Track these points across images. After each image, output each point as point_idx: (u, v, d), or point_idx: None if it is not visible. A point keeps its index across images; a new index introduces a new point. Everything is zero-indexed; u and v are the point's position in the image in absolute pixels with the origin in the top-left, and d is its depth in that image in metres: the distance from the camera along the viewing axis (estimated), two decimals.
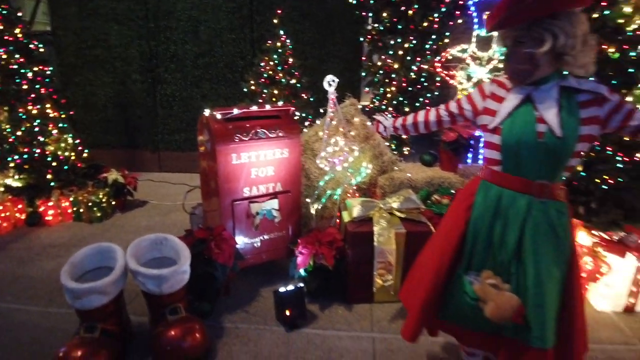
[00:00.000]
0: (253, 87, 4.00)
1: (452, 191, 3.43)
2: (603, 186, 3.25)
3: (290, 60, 4.03)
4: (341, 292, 2.86)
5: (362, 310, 2.75)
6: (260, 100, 3.97)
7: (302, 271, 2.76)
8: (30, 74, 4.17)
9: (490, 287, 1.51)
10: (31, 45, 4.47)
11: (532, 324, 1.51)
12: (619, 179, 3.21)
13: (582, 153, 1.50)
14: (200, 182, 3.18)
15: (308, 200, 3.19)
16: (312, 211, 3.17)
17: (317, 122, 3.53)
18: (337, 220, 3.29)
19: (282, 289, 2.59)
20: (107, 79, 5.59)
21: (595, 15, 3.37)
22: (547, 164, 1.48)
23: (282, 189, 2.93)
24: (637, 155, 3.22)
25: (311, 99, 4.25)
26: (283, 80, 3.99)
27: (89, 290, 2.09)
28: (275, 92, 4.01)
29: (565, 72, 1.50)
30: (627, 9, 3.20)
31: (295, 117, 3.24)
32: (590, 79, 1.49)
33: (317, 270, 2.73)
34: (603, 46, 3.32)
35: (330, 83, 2.95)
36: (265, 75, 4.00)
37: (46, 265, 3.30)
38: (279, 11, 4.07)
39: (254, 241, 2.92)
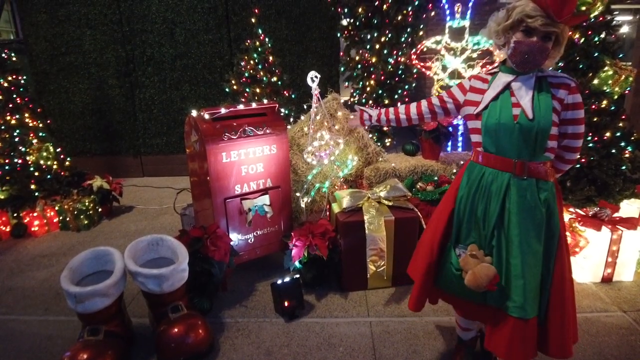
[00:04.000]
0: (235, 87, 4.03)
1: (435, 178, 3.56)
2: (577, 165, 3.43)
3: (271, 58, 4.08)
4: (336, 280, 2.95)
5: (357, 296, 2.85)
6: (243, 100, 4.01)
7: (297, 263, 2.83)
8: (5, 84, 4.09)
9: (472, 258, 1.65)
10: (3, 55, 4.39)
11: (512, 294, 1.63)
12: (590, 158, 3.40)
13: (556, 136, 1.67)
14: (190, 183, 3.21)
15: (298, 194, 3.26)
16: (302, 205, 3.25)
17: (302, 117, 3.59)
18: (327, 213, 3.37)
19: (279, 282, 2.66)
20: (83, 85, 5.51)
21: None
22: (523, 144, 1.62)
23: (272, 184, 2.99)
24: (607, 134, 3.42)
25: (293, 96, 4.31)
26: (264, 78, 4.03)
27: (92, 293, 2.12)
28: (257, 90, 4.05)
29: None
30: None
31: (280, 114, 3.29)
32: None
33: (312, 261, 2.81)
34: (569, 32, 3.50)
35: (313, 79, 3.03)
36: (246, 74, 4.04)
37: (38, 275, 3.28)
38: (256, 10, 4.11)
39: (248, 237, 2.98)
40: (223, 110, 2.75)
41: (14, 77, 4.36)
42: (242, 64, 4.08)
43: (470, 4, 4.70)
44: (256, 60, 4.05)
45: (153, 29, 5.28)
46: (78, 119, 5.63)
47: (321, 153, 3.22)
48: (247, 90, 4.00)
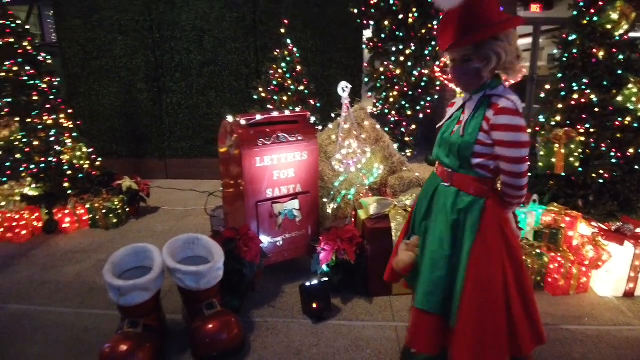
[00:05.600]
0: (263, 94, 4.15)
1: None
2: (600, 180, 3.48)
3: (299, 68, 4.20)
4: (362, 285, 3.02)
5: (382, 302, 2.92)
6: (271, 107, 4.13)
7: (324, 266, 2.91)
8: (44, 85, 4.26)
9: (404, 245, 1.94)
10: (40, 57, 4.58)
11: (417, 285, 1.85)
12: (614, 174, 3.45)
13: (487, 155, 1.67)
14: (222, 186, 3.32)
15: (325, 200, 3.35)
16: (329, 211, 3.34)
17: (330, 126, 3.69)
18: (352, 219, 3.45)
19: (307, 284, 2.74)
20: (112, 88, 5.69)
21: (585, 22, 3.63)
22: (451, 156, 1.76)
23: (301, 189, 3.08)
24: (630, 151, 3.46)
25: (318, 105, 4.42)
26: (292, 87, 4.15)
27: (134, 287, 2.22)
28: (285, 98, 4.17)
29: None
30: (614, 16, 3.45)
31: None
32: (511, 92, 1.65)
33: (340, 265, 2.88)
34: (593, 50, 3.57)
35: (344, 89, 3.14)
36: (274, 82, 4.16)
37: (70, 270, 3.40)
38: (286, 21, 4.24)
39: (277, 240, 3.07)
40: (258, 117, 2.86)
41: (49, 79, 4.55)
42: (271, 72, 4.21)
43: None
44: (284, 69, 4.17)
45: (182, 36, 5.45)
46: (107, 121, 5.80)
47: (348, 161, 3.31)
48: (275, 98, 4.11)
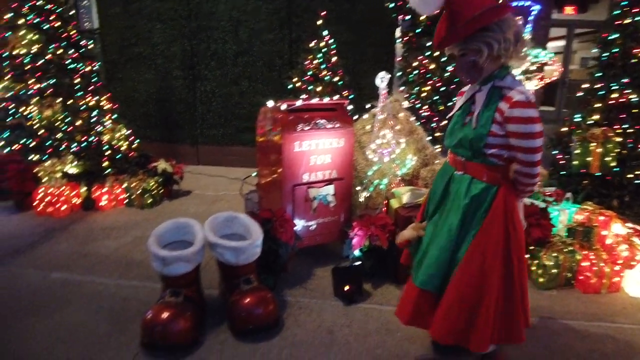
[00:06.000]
0: (298, 84, 4.22)
1: None
2: (637, 181, 3.44)
3: (334, 59, 4.26)
4: (392, 272, 3.06)
5: None
6: (306, 96, 4.19)
7: (357, 251, 2.97)
8: (87, 69, 4.43)
9: (414, 224, 2.11)
10: (82, 42, 4.75)
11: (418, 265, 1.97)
12: None
13: (500, 145, 1.72)
14: (258, 171, 3.40)
15: (358, 188, 3.40)
16: (361, 199, 3.38)
17: (365, 116, 3.74)
18: (384, 209, 3.49)
19: (340, 266, 2.80)
20: (148, 75, 5.86)
21: (627, 21, 3.58)
22: (464, 147, 1.81)
23: (337, 176, 3.14)
24: None
25: (350, 96, 4.46)
26: (327, 77, 4.21)
27: (178, 257, 2.31)
28: (319, 89, 4.23)
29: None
30: None
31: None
32: (521, 83, 1.72)
33: (372, 251, 2.93)
34: (634, 50, 3.53)
35: (382, 79, 3.18)
36: (309, 72, 4.23)
37: (109, 244, 3.54)
38: (323, 13, 4.30)
39: (310, 224, 3.14)
40: (299, 103, 2.93)
41: (90, 63, 4.72)
42: (306, 62, 4.27)
43: (531, 18, 4.76)
44: (320, 60, 4.23)
45: (219, 26, 5.57)
46: (141, 106, 5.97)
47: (383, 151, 3.36)
48: (310, 87, 4.18)
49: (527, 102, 1.62)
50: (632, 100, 3.49)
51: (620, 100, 3.53)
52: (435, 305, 1.91)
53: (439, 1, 1.69)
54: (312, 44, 4.32)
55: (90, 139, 4.28)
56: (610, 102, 3.59)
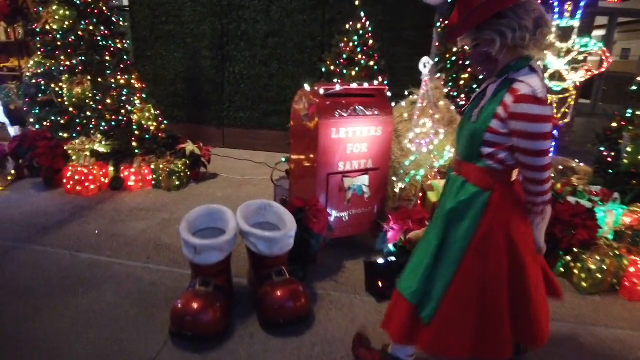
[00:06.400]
0: (332, 67, 4.06)
1: None
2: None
3: (371, 42, 4.07)
4: None
5: None
6: (339, 81, 4.03)
7: (391, 246, 2.84)
8: (118, 46, 4.36)
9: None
10: (113, 19, 4.67)
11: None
12: None
13: (500, 145, 1.53)
14: (290, 157, 3.28)
15: (394, 179, 3.25)
16: (397, 190, 3.24)
17: (403, 103, 3.57)
18: (419, 201, 3.35)
19: (374, 261, 2.68)
20: (177, 54, 5.77)
21: None
22: (464, 145, 1.65)
23: (372, 166, 3.00)
24: None
25: (386, 82, 4.27)
26: (362, 61, 4.03)
27: (210, 246, 2.23)
28: (353, 73, 4.06)
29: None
30: None
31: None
32: (535, 75, 1.47)
33: (407, 246, 2.80)
34: None
35: (425, 64, 3.00)
36: (344, 56, 4.06)
37: (137, 226, 3.50)
38: None
39: (343, 215, 3.02)
40: (338, 87, 2.78)
41: (121, 41, 4.65)
42: (341, 45, 4.10)
43: (583, 4, 4.45)
44: (355, 43, 4.05)
45: (250, 5, 5.41)
46: (170, 85, 5.91)
47: (421, 141, 3.19)
48: (345, 71, 4.01)
49: (534, 97, 1.40)
50: None
51: None
52: (413, 316, 1.72)
53: None
54: (347, 26, 4.13)
55: (119, 118, 4.22)
56: None
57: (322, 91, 2.76)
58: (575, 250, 2.97)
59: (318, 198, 2.85)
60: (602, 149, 3.89)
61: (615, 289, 2.93)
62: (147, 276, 2.81)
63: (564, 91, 4.67)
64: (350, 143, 2.86)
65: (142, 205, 3.94)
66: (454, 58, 4.55)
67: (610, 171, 3.69)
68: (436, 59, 4.75)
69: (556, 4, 4.47)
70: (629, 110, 3.62)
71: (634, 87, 3.65)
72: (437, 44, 4.82)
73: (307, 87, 2.87)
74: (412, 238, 1.92)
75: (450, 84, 4.57)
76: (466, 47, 1.71)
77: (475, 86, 4.49)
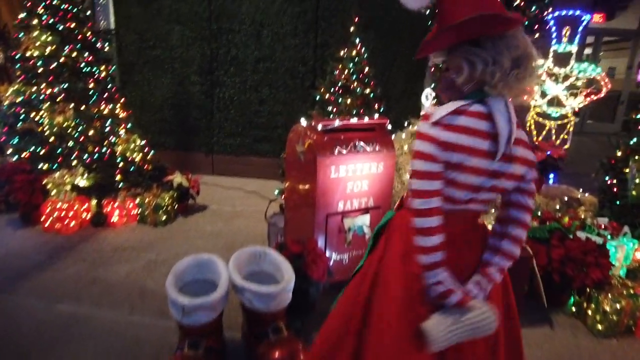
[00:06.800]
0: (327, 95, 3.91)
1: (539, 213, 3.28)
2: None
3: (367, 69, 3.93)
4: None
5: None
6: (334, 109, 3.87)
7: None
8: (103, 74, 4.16)
9: None
10: (98, 44, 4.48)
11: None
12: None
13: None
14: (285, 191, 3.09)
15: None
16: None
17: (403, 135, 3.41)
18: None
19: None
20: (165, 79, 5.58)
21: None
22: None
23: (373, 204, 2.82)
24: None
25: (382, 109, 4.13)
26: (358, 89, 3.88)
27: (200, 306, 2.01)
28: (348, 101, 3.90)
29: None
30: None
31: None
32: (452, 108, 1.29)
33: None
34: None
35: (427, 96, 2.85)
36: (339, 83, 3.90)
37: (120, 269, 3.25)
38: (357, 18, 3.97)
39: (343, 257, 2.82)
40: (337, 123, 2.61)
41: (106, 67, 4.45)
42: (336, 72, 3.95)
43: (580, 29, 4.40)
44: (351, 70, 3.91)
45: (240, 29, 5.27)
46: (157, 112, 5.70)
47: None
48: (340, 100, 3.86)
49: (419, 133, 1.28)
50: None
51: None
52: None
53: None
54: (342, 53, 3.99)
55: (102, 150, 3.99)
56: None
57: (319, 127, 2.58)
58: (588, 290, 2.81)
59: (316, 240, 2.65)
60: (606, 178, 3.77)
61: (632, 330, 2.77)
62: (130, 330, 2.56)
63: (562, 117, 4.58)
64: (350, 181, 2.68)
65: (127, 243, 3.68)
66: None
67: (617, 202, 3.56)
68: (432, 85, 4.63)
69: (554, 28, 4.40)
70: (634, 139, 3.51)
71: (636, 115, 3.55)
72: (432, 69, 4.71)
73: (303, 122, 2.69)
74: None
75: None
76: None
77: None
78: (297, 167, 2.79)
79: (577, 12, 4.22)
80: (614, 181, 3.70)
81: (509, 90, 1.28)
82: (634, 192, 3.35)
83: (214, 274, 2.29)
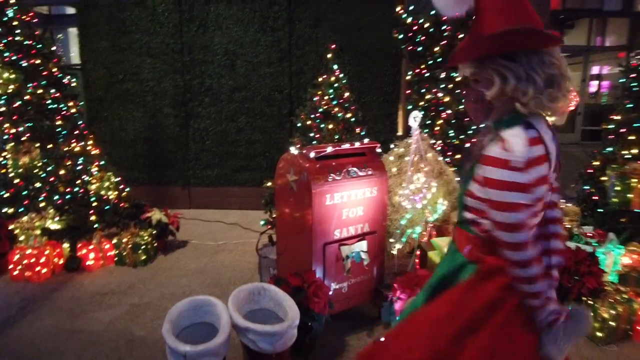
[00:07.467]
0: (309, 122, 3.88)
1: None
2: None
3: (346, 94, 3.94)
4: None
5: None
6: (317, 136, 3.84)
7: (399, 317, 2.56)
8: (73, 110, 3.98)
9: None
10: (65, 80, 4.30)
11: None
12: None
13: (479, 211, 1.33)
14: (277, 222, 2.99)
15: (392, 240, 3.02)
16: (394, 252, 3.01)
17: (391, 158, 3.40)
18: (416, 260, 3.12)
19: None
20: (137, 113, 5.42)
21: None
22: (458, 206, 1.46)
23: (369, 229, 2.76)
24: None
25: (362, 133, 4.14)
26: (339, 114, 3.88)
27: (204, 352, 1.86)
28: (330, 126, 3.89)
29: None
30: None
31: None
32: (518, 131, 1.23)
33: None
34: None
35: (415, 119, 2.86)
36: (320, 109, 3.89)
37: (102, 317, 3.02)
38: (333, 46, 4.00)
39: (342, 286, 2.73)
40: (329, 149, 2.56)
41: (73, 103, 4.26)
42: (316, 99, 3.94)
43: None
44: (331, 96, 3.91)
45: (214, 60, 5.23)
46: (128, 147, 5.50)
47: (415, 197, 3.01)
48: (322, 125, 3.83)
49: (502, 160, 1.18)
50: None
51: None
52: None
53: (465, 1, 1.28)
54: (320, 79, 3.99)
55: (75, 190, 3.77)
56: None
57: (312, 154, 2.52)
58: (584, 299, 2.83)
59: (315, 271, 2.55)
60: (585, 187, 3.88)
61: (629, 335, 2.81)
62: None
63: None
64: (345, 208, 2.61)
65: (106, 288, 3.45)
66: (427, 105, 4.51)
67: (599, 210, 3.66)
68: (409, 107, 4.70)
69: None
70: (609, 148, 3.64)
71: (612, 125, 3.70)
72: (408, 91, 4.79)
73: (293, 150, 2.63)
74: None
75: (426, 130, 4.50)
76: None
77: (451, 132, 4.44)
78: (289, 197, 2.71)
79: None
80: (593, 190, 3.81)
81: (541, 110, 1.25)
82: (615, 199, 3.45)
83: (212, 316, 2.15)
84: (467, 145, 4.47)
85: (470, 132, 4.50)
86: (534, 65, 1.19)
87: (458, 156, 4.62)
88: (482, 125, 1.44)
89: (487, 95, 1.26)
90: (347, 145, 2.66)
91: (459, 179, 1.36)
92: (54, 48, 4.36)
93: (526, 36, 1.19)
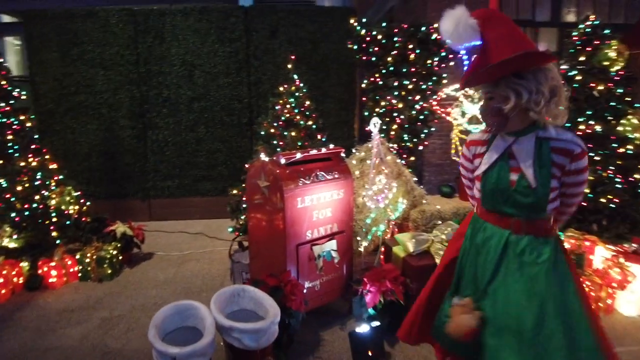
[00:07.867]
0: (272, 130, 4.02)
1: None
2: (611, 205, 3.63)
3: (307, 103, 4.12)
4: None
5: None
6: (281, 143, 3.98)
7: (370, 310, 2.75)
8: (28, 124, 3.87)
9: (459, 307, 1.62)
10: (15, 93, 4.16)
11: (491, 349, 1.57)
12: (624, 198, 3.62)
13: (556, 198, 1.60)
14: (249, 228, 3.09)
15: (358, 238, 3.22)
16: (362, 249, 3.20)
17: (354, 161, 3.60)
18: (381, 256, 3.33)
19: (358, 331, 2.57)
20: (91, 125, 5.30)
21: (582, 59, 3.87)
22: (521, 207, 1.58)
23: (338, 229, 2.94)
24: (635, 176, 3.66)
25: (324, 139, 4.33)
26: (301, 122, 4.05)
27: (192, 353, 1.94)
28: (293, 134, 4.05)
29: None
30: (612, 54, 3.71)
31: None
32: (567, 131, 1.59)
33: (387, 307, 2.73)
34: (592, 84, 3.81)
35: (375, 124, 3.08)
36: (283, 118, 4.04)
37: (73, 333, 2.98)
38: (293, 57, 4.17)
39: (315, 284, 2.88)
40: (298, 156, 2.72)
41: (26, 117, 4.13)
42: (278, 107, 4.09)
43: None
44: (293, 105, 4.07)
45: (172, 71, 5.23)
46: (83, 160, 5.36)
47: (378, 197, 3.23)
48: (285, 133, 3.98)
49: (585, 152, 1.55)
50: (597, 130, 3.72)
51: (587, 130, 3.75)
52: None
53: (474, 35, 1.53)
54: (282, 88, 4.15)
55: (33, 206, 3.67)
56: (577, 133, 3.80)
57: (283, 160, 2.67)
58: None
59: (290, 271, 2.69)
60: None
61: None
62: None
63: None
64: (315, 210, 2.78)
65: (73, 304, 3.38)
66: (382, 111, 4.78)
67: None
68: (365, 113, 4.95)
69: (466, 57, 4.95)
70: None
71: None
72: (364, 98, 5.05)
73: (263, 157, 2.76)
74: (474, 326, 1.57)
75: (382, 135, 4.76)
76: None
77: (405, 136, 4.73)
78: (260, 202, 2.83)
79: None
80: None
81: (549, 115, 1.54)
82: None
83: (195, 319, 2.22)
84: (420, 148, 4.79)
85: (423, 135, 4.83)
86: (541, 80, 1.49)
87: (412, 158, 4.94)
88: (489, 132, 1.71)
89: (505, 109, 1.52)
90: (314, 151, 2.83)
91: (507, 183, 1.46)
92: (1, 60, 4.21)
93: (531, 57, 1.47)
